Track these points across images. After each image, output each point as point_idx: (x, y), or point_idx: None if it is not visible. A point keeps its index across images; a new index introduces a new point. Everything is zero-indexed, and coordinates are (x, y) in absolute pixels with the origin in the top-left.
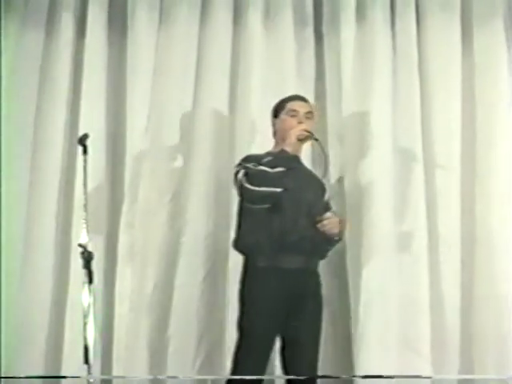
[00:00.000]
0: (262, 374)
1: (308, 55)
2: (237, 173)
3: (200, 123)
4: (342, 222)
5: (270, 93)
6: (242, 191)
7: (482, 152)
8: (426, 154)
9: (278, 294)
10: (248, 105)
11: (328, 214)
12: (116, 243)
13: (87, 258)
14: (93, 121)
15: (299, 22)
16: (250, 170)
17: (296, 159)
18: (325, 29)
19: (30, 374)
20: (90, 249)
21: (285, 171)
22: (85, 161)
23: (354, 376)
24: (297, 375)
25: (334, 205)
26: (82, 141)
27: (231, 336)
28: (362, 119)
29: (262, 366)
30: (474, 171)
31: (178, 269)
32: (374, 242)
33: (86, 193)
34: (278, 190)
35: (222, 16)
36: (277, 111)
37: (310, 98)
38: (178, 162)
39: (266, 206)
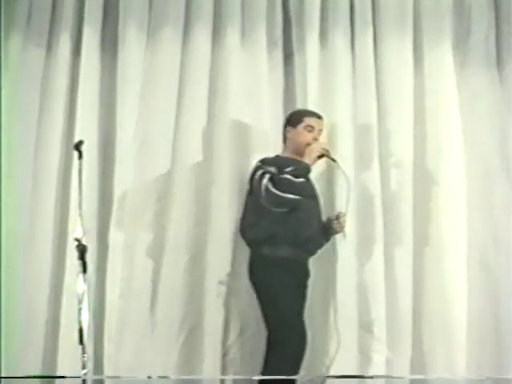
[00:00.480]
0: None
1: (278, 72)
2: (262, 175)
3: (183, 131)
4: None
5: (245, 106)
6: (268, 195)
7: (433, 157)
8: (381, 158)
9: (292, 281)
10: (225, 116)
11: (343, 213)
12: (107, 237)
13: (82, 250)
14: (87, 129)
15: (270, 42)
16: (276, 176)
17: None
18: (293, 49)
19: (30, 355)
20: (84, 242)
21: (305, 182)
22: (80, 164)
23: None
24: None
25: None
26: (78, 147)
27: (209, 319)
28: (325, 129)
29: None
30: (426, 173)
31: (163, 260)
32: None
33: (80, 193)
34: (299, 197)
35: (201, 37)
36: (293, 122)
37: (279, 111)
38: (164, 167)
39: (285, 210)
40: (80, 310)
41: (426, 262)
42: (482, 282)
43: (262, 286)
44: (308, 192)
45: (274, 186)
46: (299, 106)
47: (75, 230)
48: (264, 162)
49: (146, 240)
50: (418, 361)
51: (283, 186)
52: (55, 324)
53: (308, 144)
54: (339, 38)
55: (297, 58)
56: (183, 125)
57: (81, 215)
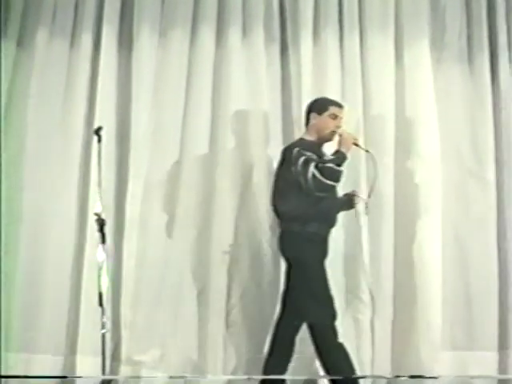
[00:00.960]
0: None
1: (275, 66)
2: (306, 162)
3: (190, 120)
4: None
5: (246, 98)
6: (315, 181)
7: (412, 142)
8: (366, 140)
9: (320, 254)
10: (228, 106)
11: (356, 192)
12: (124, 212)
13: (101, 223)
14: (106, 117)
15: (268, 40)
16: (321, 164)
17: None
18: (289, 45)
19: (55, 316)
20: (103, 216)
21: (343, 170)
22: (99, 147)
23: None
24: None
25: None
26: (97, 132)
27: (214, 285)
28: None
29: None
30: (406, 155)
31: (173, 233)
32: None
33: (99, 172)
34: (337, 183)
35: (207, 36)
36: (318, 109)
37: (277, 101)
38: (174, 151)
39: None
40: (100, 276)
41: (405, 236)
42: (455, 256)
43: (295, 259)
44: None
45: (321, 174)
46: (295, 96)
47: (95, 206)
48: (299, 146)
49: (159, 215)
50: (400, 324)
51: (329, 174)
52: (78, 289)
53: (333, 132)
54: (330, 36)
55: (292, 53)
56: (190, 114)
57: (100, 192)
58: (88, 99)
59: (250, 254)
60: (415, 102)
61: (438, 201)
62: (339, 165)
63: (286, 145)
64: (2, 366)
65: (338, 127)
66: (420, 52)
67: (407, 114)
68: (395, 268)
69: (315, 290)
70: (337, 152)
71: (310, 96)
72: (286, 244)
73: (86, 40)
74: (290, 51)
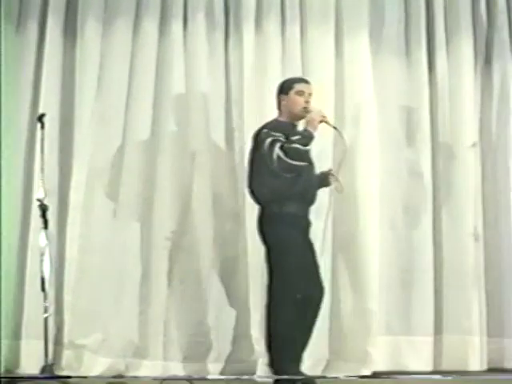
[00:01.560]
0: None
1: (218, 53)
2: (272, 143)
3: (133, 107)
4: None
5: (188, 85)
6: (280, 162)
7: (351, 129)
8: None
9: (299, 234)
10: (169, 93)
11: (331, 170)
12: (67, 198)
13: (43, 209)
14: (50, 103)
15: (211, 27)
16: (286, 145)
17: None
18: (231, 33)
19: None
20: (45, 202)
21: (310, 149)
22: (42, 134)
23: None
24: None
25: None
26: (40, 119)
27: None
28: (259, 101)
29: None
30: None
31: (116, 219)
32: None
33: (42, 158)
34: (305, 163)
35: (150, 26)
36: (285, 89)
37: (220, 87)
38: (117, 138)
39: (293, 175)
40: (42, 261)
41: (344, 224)
42: (392, 243)
43: (273, 241)
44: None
45: (286, 154)
46: (236, 82)
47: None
48: (268, 127)
49: (102, 201)
50: (337, 310)
51: (294, 154)
52: (22, 274)
53: (304, 108)
54: (271, 25)
55: (234, 42)
56: (133, 102)
57: (43, 178)
58: (33, 86)
59: (190, 239)
60: (354, 92)
61: (375, 189)
62: (305, 144)
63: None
64: None
65: (307, 102)
66: (359, 44)
67: (346, 104)
68: (333, 254)
69: (296, 271)
70: (304, 131)
71: (252, 83)
72: (265, 227)
73: (32, 28)
74: (232, 39)
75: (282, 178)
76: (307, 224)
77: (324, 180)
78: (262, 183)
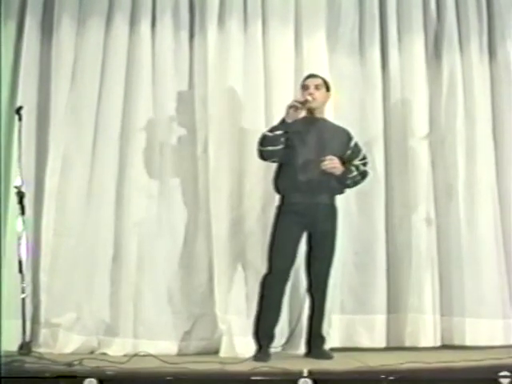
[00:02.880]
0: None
1: (183, 52)
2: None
3: (104, 99)
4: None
5: (155, 81)
6: (257, 151)
7: None
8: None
9: (291, 225)
10: (139, 87)
11: (329, 156)
12: (43, 185)
13: (21, 195)
14: (27, 97)
15: (177, 27)
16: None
17: (304, 122)
18: (196, 32)
19: None
20: (22, 189)
21: (282, 134)
22: (20, 125)
23: None
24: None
25: None
26: (18, 111)
27: (125, 252)
28: (222, 95)
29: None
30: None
31: (89, 205)
32: None
33: (19, 148)
34: (278, 147)
35: (121, 25)
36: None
37: (184, 84)
38: (89, 128)
39: (276, 160)
40: (19, 245)
41: None
42: (345, 226)
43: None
44: (298, 141)
45: (259, 143)
46: (200, 79)
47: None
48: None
49: (76, 189)
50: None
51: (262, 141)
52: None
53: (305, 100)
54: (234, 24)
55: (199, 40)
56: (105, 96)
57: (20, 167)
58: (11, 81)
59: (158, 225)
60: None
61: None
62: (272, 130)
63: None
64: None
65: (311, 94)
66: (317, 42)
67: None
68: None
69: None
70: (281, 120)
71: (215, 80)
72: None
73: (11, 25)
74: (197, 38)
75: (281, 168)
76: (311, 214)
77: (316, 167)
78: (275, 175)
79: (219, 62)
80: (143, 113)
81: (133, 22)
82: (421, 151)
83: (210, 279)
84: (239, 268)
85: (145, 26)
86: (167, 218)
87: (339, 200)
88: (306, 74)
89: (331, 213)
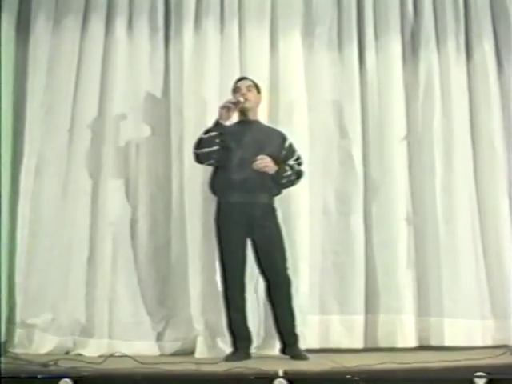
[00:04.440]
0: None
1: (159, 54)
2: None
3: (80, 99)
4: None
5: (130, 82)
6: (193, 155)
7: (283, 121)
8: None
9: (230, 223)
10: (114, 86)
11: (260, 156)
12: (18, 185)
13: None
14: (3, 96)
15: (153, 29)
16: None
17: (239, 124)
18: (172, 34)
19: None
20: None
21: (216, 135)
22: None
23: None
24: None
25: None
26: None
27: (100, 250)
28: (197, 99)
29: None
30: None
31: (65, 204)
32: None
33: None
34: (214, 148)
35: (96, 25)
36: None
37: (159, 86)
38: (64, 127)
39: (212, 162)
40: None
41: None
42: (323, 227)
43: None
44: (233, 142)
45: (194, 147)
46: (176, 81)
47: None
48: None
49: (51, 188)
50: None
51: (197, 144)
52: None
53: (237, 101)
54: (210, 26)
55: (174, 42)
56: (80, 95)
57: None
58: None
59: (133, 225)
60: (288, 86)
61: (306, 176)
62: (206, 132)
63: None
64: None
65: (243, 95)
66: (293, 42)
67: (280, 98)
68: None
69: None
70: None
71: (190, 81)
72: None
73: None
74: (173, 40)
75: (216, 169)
76: (250, 213)
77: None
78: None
79: (195, 63)
80: (118, 114)
81: (108, 21)
82: (398, 151)
83: (185, 279)
84: (213, 268)
85: (120, 26)
86: (142, 219)
87: (317, 198)
88: (281, 73)
89: (270, 211)
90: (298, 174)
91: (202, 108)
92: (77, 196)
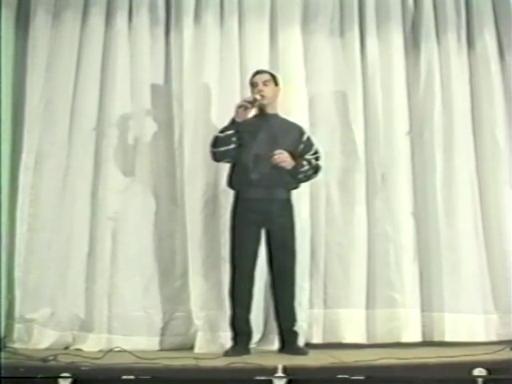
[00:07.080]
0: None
1: (159, 47)
2: None
3: (79, 94)
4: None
5: (130, 76)
6: (210, 153)
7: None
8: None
9: (246, 219)
10: (114, 84)
11: (278, 151)
12: (17, 181)
13: None
14: (2, 92)
15: (154, 22)
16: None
17: (255, 120)
18: (172, 27)
19: None
20: None
21: (233, 133)
22: None
23: None
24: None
25: None
26: None
27: (99, 247)
28: (198, 90)
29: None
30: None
31: (63, 199)
32: None
33: None
34: (231, 147)
35: (96, 19)
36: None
37: (160, 79)
38: (64, 122)
39: (229, 160)
40: None
41: None
42: (327, 215)
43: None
44: (249, 139)
45: (211, 145)
46: (176, 73)
47: None
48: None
49: (49, 184)
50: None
51: (214, 142)
52: None
53: (254, 99)
54: (210, 19)
55: (175, 35)
56: (80, 91)
57: None
58: None
59: (133, 220)
60: (288, 79)
61: None
62: (222, 131)
63: None
64: None
65: (260, 91)
66: (292, 34)
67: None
68: None
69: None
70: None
71: (191, 75)
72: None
73: None
74: (173, 33)
75: (234, 166)
76: (266, 210)
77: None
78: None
79: (195, 57)
80: (118, 107)
81: (109, 15)
82: (401, 142)
83: (185, 274)
84: (214, 263)
85: (121, 19)
86: (142, 213)
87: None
88: (281, 66)
89: (287, 207)
90: (316, 169)
91: (203, 101)
92: (76, 190)
